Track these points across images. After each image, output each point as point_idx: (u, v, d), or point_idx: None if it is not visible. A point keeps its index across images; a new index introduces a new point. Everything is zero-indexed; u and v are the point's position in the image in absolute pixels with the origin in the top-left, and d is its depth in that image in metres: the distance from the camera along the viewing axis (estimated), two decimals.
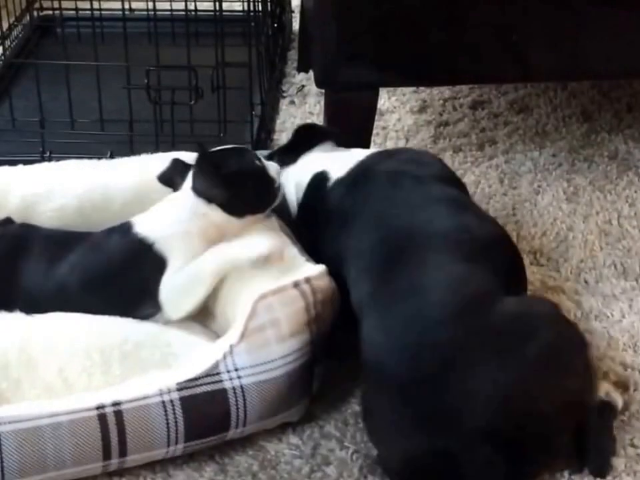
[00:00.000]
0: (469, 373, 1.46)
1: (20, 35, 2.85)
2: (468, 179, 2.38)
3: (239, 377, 1.60)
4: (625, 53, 2.26)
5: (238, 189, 1.80)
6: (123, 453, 1.56)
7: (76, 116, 2.40)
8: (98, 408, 1.54)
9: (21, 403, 1.58)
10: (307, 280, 1.68)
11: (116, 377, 1.67)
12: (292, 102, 2.73)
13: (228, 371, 1.60)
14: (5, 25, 2.71)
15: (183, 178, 1.83)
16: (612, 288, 2.02)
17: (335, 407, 1.73)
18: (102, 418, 1.54)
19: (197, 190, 1.80)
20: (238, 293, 1.76)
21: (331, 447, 1.65)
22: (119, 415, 1.54)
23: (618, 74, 2.41)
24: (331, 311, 1.71)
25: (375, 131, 2.42)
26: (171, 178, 1.87)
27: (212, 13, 2.47)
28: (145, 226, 1.81)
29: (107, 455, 1.55)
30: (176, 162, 1.88)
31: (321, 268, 1.72)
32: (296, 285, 1.67)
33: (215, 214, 1.80)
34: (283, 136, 2.55)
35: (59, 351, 1.69)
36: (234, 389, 1.60)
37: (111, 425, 1.54)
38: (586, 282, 2.04)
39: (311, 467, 1.62)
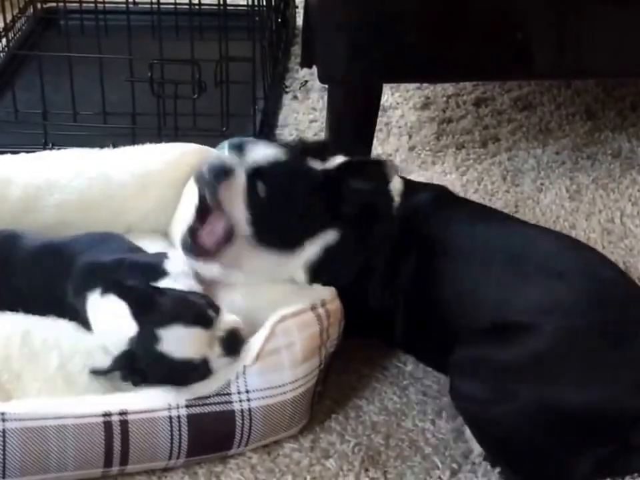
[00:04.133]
0: None
1: (23, 27, 2.84)
2: (471, 176, 2.38)
3: (248, 400, 1.60)
4: (630, 51, 2.26)
5: None
6: (124, 461, 1.55)
7: (78, 108, 2.40)
8: (104, 415, 1.54)
9: (27, 400, 1.58)
10: (323, 303, 1.68)
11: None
12: (295, 97, 2.72)
13: (239, 392, 1.60)
14: (9, 17, 2.71)
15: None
16: None
17: (335, 401, 1.73)
18: (107, 426, 1.53)
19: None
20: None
21: (332, 440, 1.65)
22: (124, 424, 1.54)
23: (622, 72, 2.40)
24: (337, 332, 1.71)
25: (377, 127, 2.42)
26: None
27: (216, 7, 2.47)
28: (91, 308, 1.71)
29: (108, 462, 1.55)
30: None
31: (333, 290, 1.72)
32: (313, 307, 1.66)
33: None
34: (285, 131, 2.55)
35: (61, 347, 1.69)
36: (242, 411, 1.59)
37: (116, 434, 1.54)
38: None
39: (310, 460, 1.62)
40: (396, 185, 1.84)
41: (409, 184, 1.88)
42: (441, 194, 1.90)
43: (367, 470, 1.61)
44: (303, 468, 1.61)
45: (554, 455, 1.54)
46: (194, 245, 1.73)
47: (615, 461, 1.54)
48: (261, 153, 1.77)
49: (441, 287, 1.74)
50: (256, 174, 1.74)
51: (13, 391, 1.63)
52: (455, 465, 1.62)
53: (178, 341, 1.57)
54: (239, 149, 1.78)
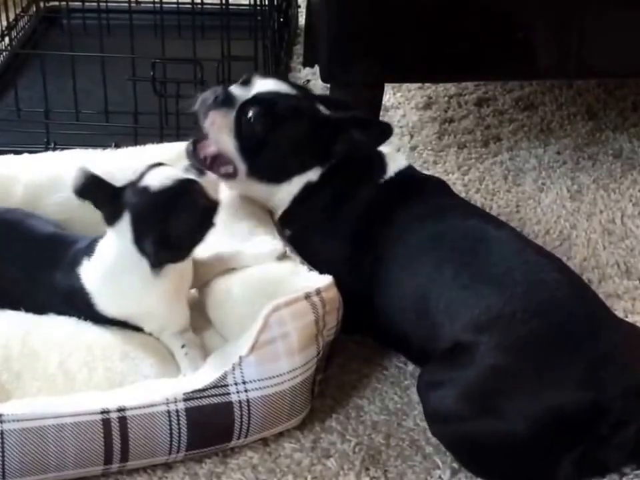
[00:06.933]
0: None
1: (26, 26, 2.85)
2: (472, 176, 2.39)
3: (245, 390, 1.60)
4: (631, 51, 2.26)
5: (179, 248, 1.68)
6: (124, 458, 1.55)
7: (81, 107, 2.41)
8: (103, 412, 1.54)
9: (25, 400, 1.58)
10: (318, 292, 1.67)
11: (117, 374, 1.67)
12: None
13: (236, 384, 1.60)
14: (12, 16, 2.72)
15: (108, 200, 1.68)
16: (615, 287, 2.02)
17: (336, 401, 1.73)
18: (106, 423, 1.53)
19: (142, 249, 1.66)
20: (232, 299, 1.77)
21: (332, 440, 1.66)
22: (123, 421, 1.54)
23: (623, 72, 2.41)
24: (335, 320, 1.70)
25: None
26: (92, 194, 1.69)
27: (218, 6, 2.48)
28: (86, 271, 1.74)
29: (108, 460, 1.55)
30: (91, 177, 1.68)
31: (329, 278, 1.71)
32: (307, 296, 1.66)
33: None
34: None
35: (61, 344, 1.69)
36: (240, 402, 1.59)
37: (115, 431, 1.53)
38: (589, 281, 2.03)
39: (311, 459, 1.62)
40: (395, 159, 1.92)
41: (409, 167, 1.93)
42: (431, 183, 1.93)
43: (367, 469, 1.61)
44: (304, 468, 1.61)
45: (531, 463, 1.56)
46: (193, 154, 1.86)
47: (593, 458, 1.55)
48: (267, 85, 1.87)
49: (401, 286, 1.75)
50: (252, 102, 1.84)
51: (12, 391, 1.63)
52: (455, 465, 1.62)
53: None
54: (246, 82, 1.88)
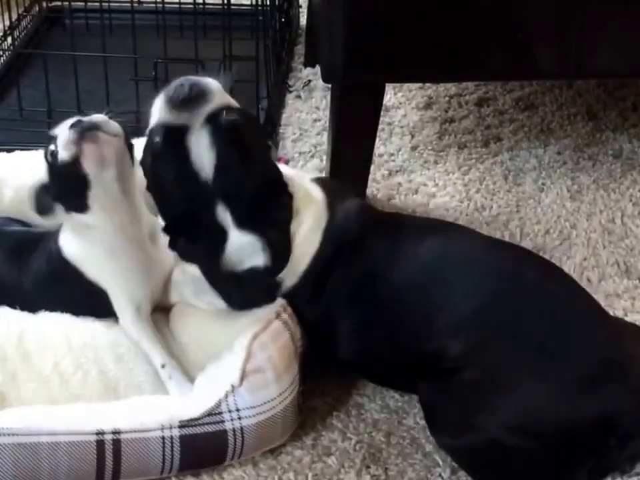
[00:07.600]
0: None
1: (29, 26, 2.86)
2: (473, 175, 2.39)
3: (239, 418, 1.60)
4: (631, 51, 2.27)
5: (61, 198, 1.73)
6: (115, 477, 1.55)
7: (83, 107, 2.39)
8: (98, 433, 1.54)
9: (21, 409, 1.58)
10: (285, 308, 1.68)
11: (111, 377, 1.68)
12: (298, 96, 2.74)
13: (229, 411, 1.60)
14: (14, 16, 2.73)
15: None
16: (615, 287, 2.03)
17: (336, 399, 1.75)
18: (100, 444, 1.53)
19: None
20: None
21: (333, 437, 1.67)
22: (117, 444, 1.54)
23: (624, 73, 2.41)
24: (299, 331, 1.69)
25: (380, 127, 2.42)
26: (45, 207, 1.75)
27: (220, 7, 2.48)
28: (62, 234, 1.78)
29: (99, 478, 1.55)
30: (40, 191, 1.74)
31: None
32: (278, 315, 1.66)
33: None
34: (288, 130, 2.56)
35: (55, 346, 1.70)
36: (234, 430, 1.59)
37: (108, 453, 1.53)
38: (589, 280, 2.04)
39: (312, 457, 1.63)
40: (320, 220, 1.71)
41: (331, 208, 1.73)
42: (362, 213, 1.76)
43: (368, 467, 1.62)
44: (305, 465, 1.62)
45: (537, 475, 1.55)
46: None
47: (603, 466, 1.54)
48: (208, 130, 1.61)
49: (374, 314, 1.67)
50: (164, 130, 1.64)
51: (8, 393, 1.64)
52: (455, 464, 1.63)
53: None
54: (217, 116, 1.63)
